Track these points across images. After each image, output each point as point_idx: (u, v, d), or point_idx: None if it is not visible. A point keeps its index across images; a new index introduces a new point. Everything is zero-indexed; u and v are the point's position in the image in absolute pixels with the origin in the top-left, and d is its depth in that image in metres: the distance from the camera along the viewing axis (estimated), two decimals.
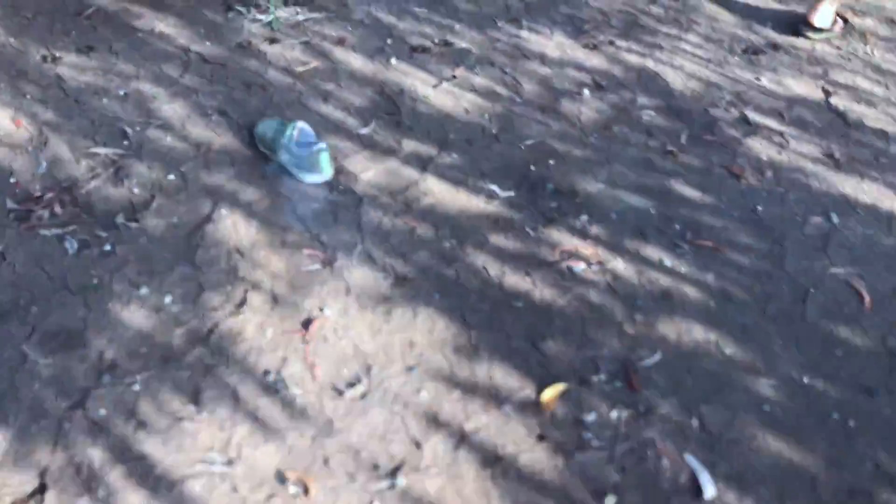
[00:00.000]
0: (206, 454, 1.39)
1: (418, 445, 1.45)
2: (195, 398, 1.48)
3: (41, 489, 1.33)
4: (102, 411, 1.45)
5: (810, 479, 1.44)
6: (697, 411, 1.54)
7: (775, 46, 2.78)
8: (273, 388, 1.52)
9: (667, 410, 1.53)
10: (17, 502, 1.30)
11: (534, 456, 1.44)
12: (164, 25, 2.58)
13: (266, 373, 1.55)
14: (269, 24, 2.62)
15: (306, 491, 1.36)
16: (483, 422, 1.50)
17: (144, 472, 1.36)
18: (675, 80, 2.54)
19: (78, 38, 2.48)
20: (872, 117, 2.44)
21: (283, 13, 2.70)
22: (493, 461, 1.43)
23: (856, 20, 2.97)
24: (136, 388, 1.49)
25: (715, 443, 1.49)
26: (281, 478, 1.38)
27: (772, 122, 2.39)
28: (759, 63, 2.67)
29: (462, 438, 1.47)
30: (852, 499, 1.41)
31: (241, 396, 1.49)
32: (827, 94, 2.54)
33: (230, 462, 1.39)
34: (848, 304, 1.81)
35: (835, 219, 2.05)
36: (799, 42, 2.82)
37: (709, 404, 1.55)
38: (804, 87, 2.56)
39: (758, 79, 2.59)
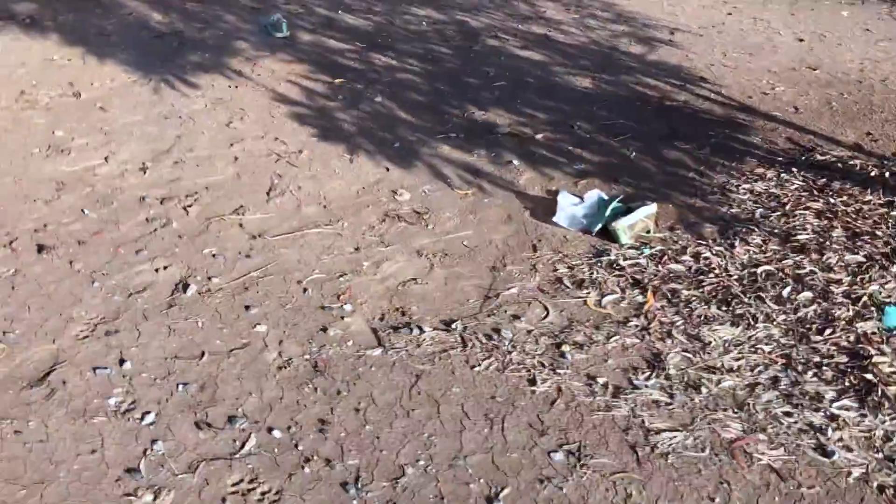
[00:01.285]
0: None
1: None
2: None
3: None
4: None
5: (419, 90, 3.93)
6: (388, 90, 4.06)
7: (543, 19, 5.36)
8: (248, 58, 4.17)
9: (378, 94, 4.07)
10: None
11: (323, 92, 4.01)
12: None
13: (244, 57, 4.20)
14: None
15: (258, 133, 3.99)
16: (310, 86, 4.08)
17: None
18: (474, 24, 5.16)
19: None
20: (563, 38, 4.96)
21: None
22: (308, 93, 4.00)
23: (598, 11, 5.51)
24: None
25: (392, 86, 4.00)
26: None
27: (509, 37, 4.94)
28: (524, 22, 5.26)
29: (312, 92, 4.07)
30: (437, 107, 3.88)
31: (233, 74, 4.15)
32: (547, 33, 5.08)
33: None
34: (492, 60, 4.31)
35: (502, 59, 4.56)
36: (535, 29, 5.38)
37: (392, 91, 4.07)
38: (539, 30, 5.11)
39: (517, 27, 5.16)
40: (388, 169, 3.23)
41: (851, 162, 3.38)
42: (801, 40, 5.07)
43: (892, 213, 2.94)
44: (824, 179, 3.20)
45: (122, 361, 2.16)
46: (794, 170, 3.29)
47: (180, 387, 2.09)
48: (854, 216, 2.92)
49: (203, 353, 2.21)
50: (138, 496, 1.78)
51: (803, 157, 3.42)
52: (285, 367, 2.17)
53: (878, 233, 2.82)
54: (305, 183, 3.09)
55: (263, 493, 1.80)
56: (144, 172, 3.10)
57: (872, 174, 3.26)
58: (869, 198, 3.05)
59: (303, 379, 2.13)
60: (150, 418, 1.97)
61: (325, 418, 2.00)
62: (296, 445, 1.92)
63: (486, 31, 5.04)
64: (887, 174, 3.25)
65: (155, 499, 1.77)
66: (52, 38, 4.48)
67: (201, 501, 1.78)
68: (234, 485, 1.81)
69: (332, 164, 3.25)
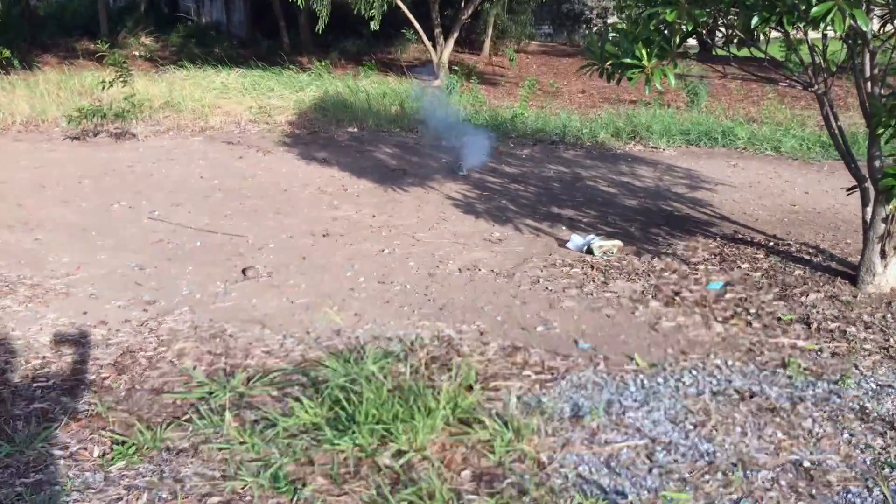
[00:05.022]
0: None
1: None
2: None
3: None
4: None
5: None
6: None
7: (634, 174, 8.25)
8: None
9: None
10: None
11: (473, 197, 7.16)
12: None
13: None
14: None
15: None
16: (467, 194, 7.26)
17: None
18: (584, 174, 8.16)
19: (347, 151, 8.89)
20: (638, 183, 7.80)
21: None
22: (464, 197, 7.18)
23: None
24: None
25: None
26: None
27: (602, 181, 7.87)
28: (618, 175, 8.17)
29: None
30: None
31: None
32: (630, 180, 7.94)
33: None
34: None
35: (589, 190, 7.49)
36: (623, 179, 8.24)
37: None
38: (625, 179, 7.99)
39: (611, 177, 8.09)
40: (493, 225, 6.21)
41: (758, 240, 5.85)
42: (806, 192, 7.49)
43: (756, 255, 5.40)
44: (732, 242, 5.72)
45: (353, 264, 5.23)
46: (719, 238, 5.84)
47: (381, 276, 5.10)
48: (732, 255, 5.43)
49: (389, 269, 5.22)
50: None
51: (731, 236, 5.95)
52: (418, 273, 5.11)
53: (739, 262, 5.31)
54: (449, 227, 6.14)
55: None
56: (373, 217, 6.33)
57: (764, 244, 5.72)
58: (749, 250, 5.54)
59: (423, 277, 5.06)
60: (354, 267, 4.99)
61: (429, 286, 4.90)
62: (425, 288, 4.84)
63: (590, 178, 8.00)
64: (771, 243, 5.70)
65: None
66: (335, 167, 8.08)
67: None
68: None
69: (465, 221, 6.29)
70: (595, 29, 23.33)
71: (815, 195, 7.28)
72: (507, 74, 16.47)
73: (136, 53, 17.10)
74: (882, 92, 4.41)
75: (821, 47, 4.66)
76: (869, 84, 4.36)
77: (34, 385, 3.59)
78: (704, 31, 4.28)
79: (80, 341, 4.04)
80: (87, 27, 19.00)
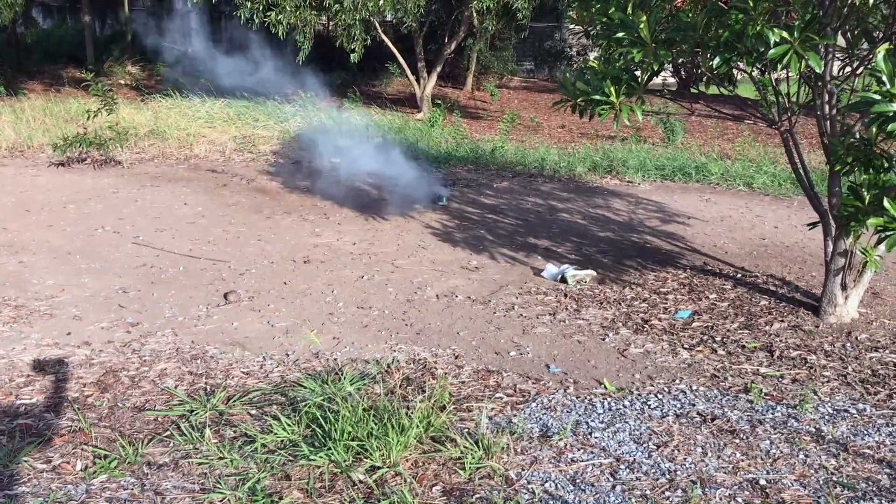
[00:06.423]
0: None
1: None
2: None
3: None
4: None
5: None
6: None
7: (608, 208, 8.46)
8: None
9: None
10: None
11: (451, 226, 7.33)
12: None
13: None
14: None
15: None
16: (446, 224, 7.43)
17: None
18: (560, 206, 8.36)
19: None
20: (614, 217, 8.00)
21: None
22: (443, 226, 7.34)
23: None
24: None
25: None
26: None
27: (577, 214, 8.07)
28: (594, 208, 8.38)
29: None
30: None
31: None
32: (605, 213, 8.15)
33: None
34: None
35: (564, 222, 7.68)
36: (598, 212, 8.45)
37: None
38: (600, 212, 8.20)
39: (587, 210, 8.29)
40: (470, 254, 6.37)
41: (726, 272, 6.05)
42: (776, 227, 7.72)
43: (723, 286, 5.59)
44: (701, 274, 5.91)
45: (333, 290, 5.36)
46: (689, 270, 6.03)
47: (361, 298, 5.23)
48: (700, 286, 5.61)
49: (368, 295, 5.35)
50: None
51: (701, 268, 6.14)
52: (396, 298, 5.25)
53: (707, 292, 5.49)
54: (428, 255, 6.30)
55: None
56: (354, 244, 6.47)
57: (732, 275, 5.92)
58: (717, 281, 5.73)
59: (401, 302, 5.19)
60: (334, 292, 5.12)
61: (407, 311, 5.03)
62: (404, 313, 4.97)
63: (566, 210, 8.20)
64: (739, 275, 5.90)
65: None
66: (318, 196, 8.23)
67: None
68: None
69: (443, 249, 6.45)
70: (575, 66, 23.82)
71: (784, 229, 7.50)
72: (489, 109, 16.77)
73: (122, 82, 17.24)
74: (839, 129, 4.63)
75: (787, 87, 4.89)
76: (828, 123, 4.57)
77: (18, 402, 3.67)
78: (682, 71, 4.49)
79: (63, 361, 4.13)
80: (74, 55, 19.16)
